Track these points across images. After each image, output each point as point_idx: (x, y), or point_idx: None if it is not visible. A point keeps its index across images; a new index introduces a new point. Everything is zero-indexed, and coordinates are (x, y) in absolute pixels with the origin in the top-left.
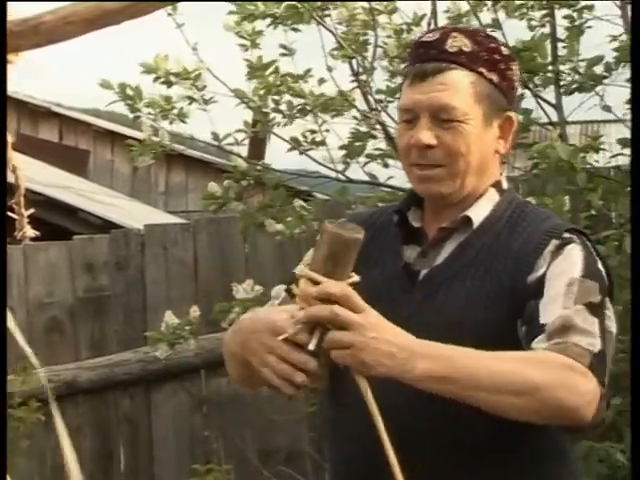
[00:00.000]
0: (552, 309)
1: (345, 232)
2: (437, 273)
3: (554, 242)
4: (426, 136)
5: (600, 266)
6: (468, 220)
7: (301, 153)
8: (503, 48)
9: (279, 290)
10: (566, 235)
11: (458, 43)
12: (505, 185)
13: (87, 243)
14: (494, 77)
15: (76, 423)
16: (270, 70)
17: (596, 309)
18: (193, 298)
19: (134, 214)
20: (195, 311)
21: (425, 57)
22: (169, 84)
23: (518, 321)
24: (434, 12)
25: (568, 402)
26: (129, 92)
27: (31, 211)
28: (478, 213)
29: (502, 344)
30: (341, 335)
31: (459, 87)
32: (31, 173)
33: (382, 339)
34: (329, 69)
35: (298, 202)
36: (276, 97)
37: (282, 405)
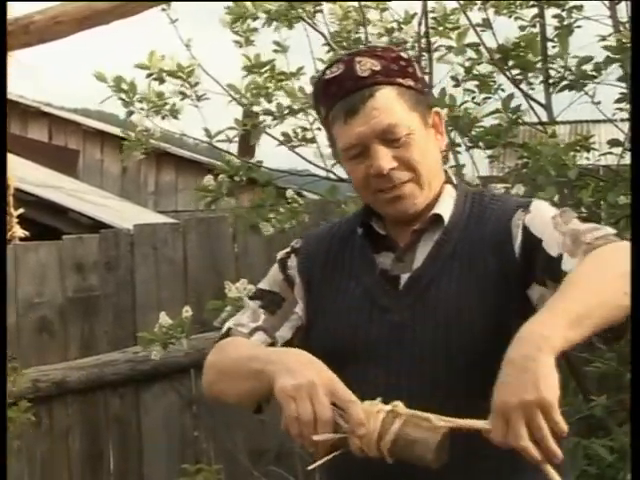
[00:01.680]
0: (554, 240)
1: (434, 458)
2: (422, 274)
3: (519, 211)
4: (386, 161)
5: None
6: (438, 218)
7: (292, 148)
8: (403, 54)
9: (255, 310)
10: (523, 201)
11: (367, 66)
12: (454, 178)
13: (77, 243)
14: (410, 82)
15: (65, 423)
16: (266, 68)
17: (585, 220)
18: (183, 298)
19: (124, 214)
20: (187, 311)
21: (343, 91)
22: (161, 81)
23: (530, 291)
24: (425, 12)
25: None
26: (124, 86)
27: (21, 211)
28: (445, 210)
29: (503, 329)
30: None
31: (391, 104)
32: (21, 173)
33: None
34: (317, 72)
35: (290, 193)
36: (266, 99)
37: (272, 406)
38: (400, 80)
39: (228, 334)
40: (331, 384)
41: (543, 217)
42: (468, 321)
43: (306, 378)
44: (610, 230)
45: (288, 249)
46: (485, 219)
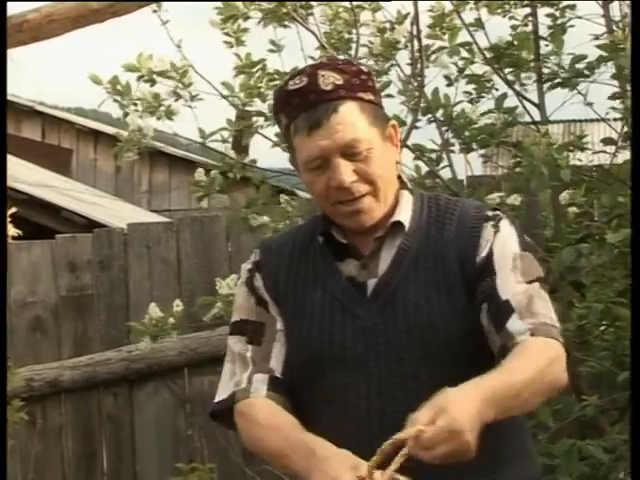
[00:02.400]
0: (508, 284)
1: None
2: (388, 280)
3: (486, 223)
4: (347, 175)
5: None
6: (398, 224)
7: (287, 149)
8: (362, 67)
9: (243, 353)
10: (491, 213)
11: (330, 80)
12: (409, 184)
13: (70, 242)
14: (370, 96)
15: (59, 422)
16: (257, 67)
17: (544, 281)
18: (176, 297)
19: (117, 213)
20: (178, 305)
21: (307, 104)
22: (152, 82)
23: (475, 302)
24: (416, 13)
25: (564, 381)
26: (119, 88)
27: (14, 210)
28: (405, 216)
29: (470, 331)
30: (447, 450)
31: (353, 119)
32: (14, 172)
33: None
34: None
35: (284, 197)
36: (260, 99)
37: None
38: (361, 94)
39: (234, 398)
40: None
41: (505, 249)
42: (440, 322)
43: None
44: (555, 319)
45: (249, 266)
46: (446, 223)
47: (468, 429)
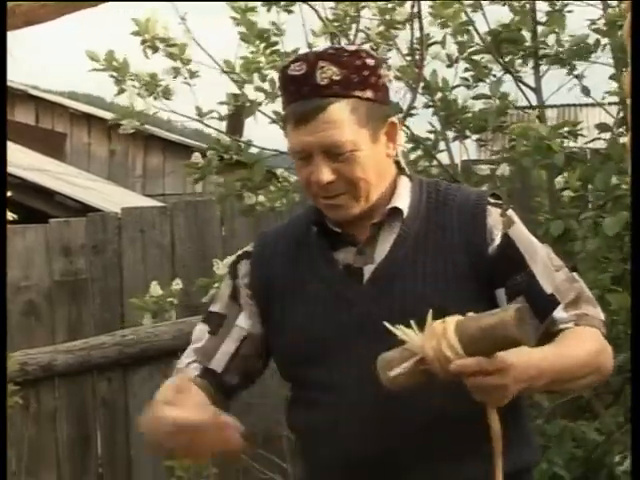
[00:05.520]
0: (547, 278)
1: (525, 336)
2: (386, 266)
3: (493, 209)
4: (325, 175)
5: None
6: (396, 210)
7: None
8: (368, 60)
9: (201, 337)
10: (493, 200)
11: (327, 74)
12: (407, 169)
13: (64, 226)
14: (369, 94)
15: (53, 406)
16: (264, 37)
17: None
18: (170, 281)
19: (111, 197)
20: (178, 284)
21: (299, 95)
22: (155, 49)
23: (499, 291)
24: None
25: (610, 366)
26: (115, 64)
27: (7, 194)
28: (403, 202)
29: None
30: (489, 380)
31: (342, 121)
32: (7, 156)
33: (522, 379)
34: (310, 47)
35: (281, 171)
36: (260, 76)
37: (260, 389)
38: (358, 93)
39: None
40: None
41: (532, 243)
42: (441, 307)
43: None
44: (600, 313)
45: (240, 253)
46: (447, 209)
47: (517, 382)
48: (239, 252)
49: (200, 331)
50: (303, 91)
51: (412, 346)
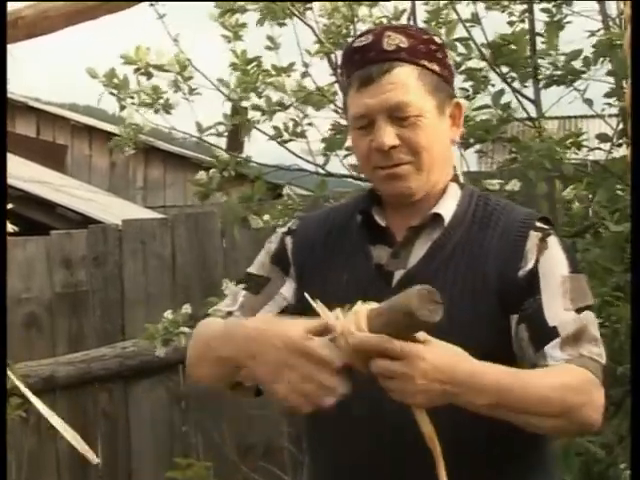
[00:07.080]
0: (555, 310)
1: (425, 313)
2: (415, 274)
3: (534, 234)
4: (389, 138)
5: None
6: (438, 217)
7: (282, 143)
8: (436, 38)
9: (237, 293)
10: (539, 225)
11: (394, 41)
12: (462, 179)
13: (65, 238)
14: (436, 67)
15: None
16: (253, 64)
17: (593, 311)
18: (171, 293)
19: (112, 209)
20: (187, 309)
21: (365, 61)
22: (149, 75)
23: (513, 317)
24: (413, 10)
25: (591, 420)
26: (116, 81)
27: (9, 206)
28: (447, 209)
29: (491, 340)
30: (392, 364)
31: (408, 83)
32: (8, 168)
33: (434, 378)
34: (305, 65)
35: (287, 190)
36: (256, 94)
37: (260, 400)
38: (425, 62)
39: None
40: (298, 343)
41: (554, 270)
42: (457, 328)
43: (275, 357)
44: (603, 356)
45: (285, 229)
46: (490, 226)
47: (427, 378)
48: (283, 229)
49: (235, 290)
50: (369, 57)
51: (325, 321)
